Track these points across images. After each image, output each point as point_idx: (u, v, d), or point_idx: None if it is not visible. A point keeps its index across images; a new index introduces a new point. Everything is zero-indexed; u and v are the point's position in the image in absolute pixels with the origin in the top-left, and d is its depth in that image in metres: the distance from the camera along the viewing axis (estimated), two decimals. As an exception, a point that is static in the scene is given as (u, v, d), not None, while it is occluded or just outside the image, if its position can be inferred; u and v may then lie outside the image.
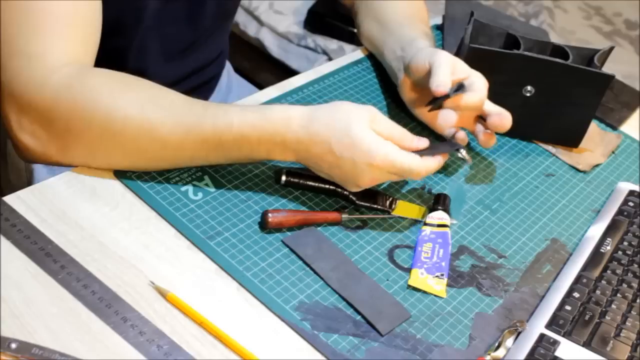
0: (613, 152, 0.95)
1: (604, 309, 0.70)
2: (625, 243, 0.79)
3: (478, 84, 0.79)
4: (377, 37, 0.96)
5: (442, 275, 0.71)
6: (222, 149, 0.69)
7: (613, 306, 0.70)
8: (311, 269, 0.68)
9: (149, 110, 0.67)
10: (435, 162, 0.73)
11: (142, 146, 0.68)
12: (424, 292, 0.69)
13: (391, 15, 0.95)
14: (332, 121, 0.68)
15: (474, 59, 0.83)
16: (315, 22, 1.92)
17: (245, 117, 0.68)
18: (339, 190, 0.76)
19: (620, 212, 0.83)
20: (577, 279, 0.73)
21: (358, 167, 0.68)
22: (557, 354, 0.65)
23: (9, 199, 0.67)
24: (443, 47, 1.09)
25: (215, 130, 0.68)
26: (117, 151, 0.69)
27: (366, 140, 0.67)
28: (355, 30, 1.05)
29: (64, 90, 0.66)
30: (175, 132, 0.68)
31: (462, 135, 0.81)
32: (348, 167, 0.69)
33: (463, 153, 0.81)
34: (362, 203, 0.76)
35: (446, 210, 0.77)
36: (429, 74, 0.79)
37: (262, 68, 2.01)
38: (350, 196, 0.76)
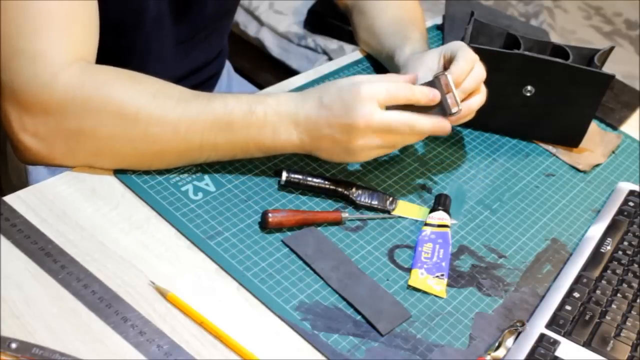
0: (613, 152, 0.95)
1: (604, 309, 0.70)
2: (626, 243, 0.79)
3: (456, 48, 0.78)
4: (372, 48, 0.99)
5: (442, 275, 0.71)
6: (231, 129, 0.70)
7: (613, 306, 0.70)
8: (311, 269, 0.68)
9: (160, 100, 0.69)
10: (427, 119, 0.72)
11: (153, 135, 0.69)
12: (424, 292, 0.70)
13: (380, 26, 0.96)
14: (323, 85, 0.73)
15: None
16: (315, 22, 1.92)
17: (253, 95, 0.73)
18: (339, 190, 0.76)
19: (620, 212, 0.83)
20: (577, 279, 0.73)
21: (347, 118, 0.69)
22: (557, 354, 0.65)
23: (9, 199, 0.67)
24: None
25: (226, 106, 0.70)
26: (127, 146, 0.69)
27: (350, 85, 0.70)
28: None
29: (75, 88, 0.66)
30: (187, 115, 0.69)
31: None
32: (339, 120, 0.70)
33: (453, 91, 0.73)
34: (362, 203, 0.76)
35: (446, 211, 0.77)
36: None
37: (262, 68, 2.01)
38: (351, 196, 0.76)
